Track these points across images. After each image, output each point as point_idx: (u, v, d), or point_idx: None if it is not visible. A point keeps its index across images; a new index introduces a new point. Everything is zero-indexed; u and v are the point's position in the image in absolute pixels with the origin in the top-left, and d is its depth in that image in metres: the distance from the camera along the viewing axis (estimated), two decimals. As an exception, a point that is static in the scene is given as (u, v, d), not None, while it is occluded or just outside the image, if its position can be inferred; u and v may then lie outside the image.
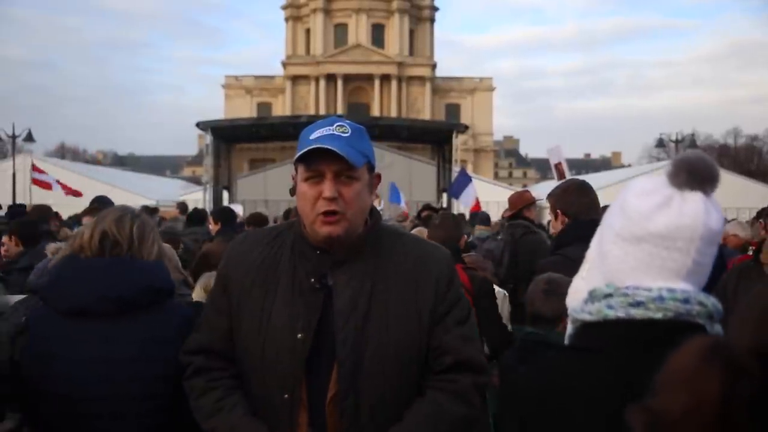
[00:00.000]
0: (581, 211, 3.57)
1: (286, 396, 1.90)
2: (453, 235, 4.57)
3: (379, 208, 17.19)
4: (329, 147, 1.85)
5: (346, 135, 1.91)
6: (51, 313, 2.21)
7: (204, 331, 2.08)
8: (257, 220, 7.74)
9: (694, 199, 1.33)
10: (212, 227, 7.58)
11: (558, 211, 3.70)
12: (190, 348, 2.08)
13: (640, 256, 1.34)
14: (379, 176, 2.06)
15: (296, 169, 1.99)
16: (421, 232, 6.31)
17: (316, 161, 1.90)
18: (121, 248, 2.28)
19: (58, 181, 16.97)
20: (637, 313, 1.33)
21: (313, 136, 1.91)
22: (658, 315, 1.31)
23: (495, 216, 13.09)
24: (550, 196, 3.86)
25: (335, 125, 1.94)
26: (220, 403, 1.96)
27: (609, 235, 1.40)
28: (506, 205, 6.82)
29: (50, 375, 2.15)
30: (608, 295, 1.36)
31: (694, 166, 1.33)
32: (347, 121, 1.98)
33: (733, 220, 7.87)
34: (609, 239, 1.39)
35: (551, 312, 2.80)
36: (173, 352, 2.12)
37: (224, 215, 7.70)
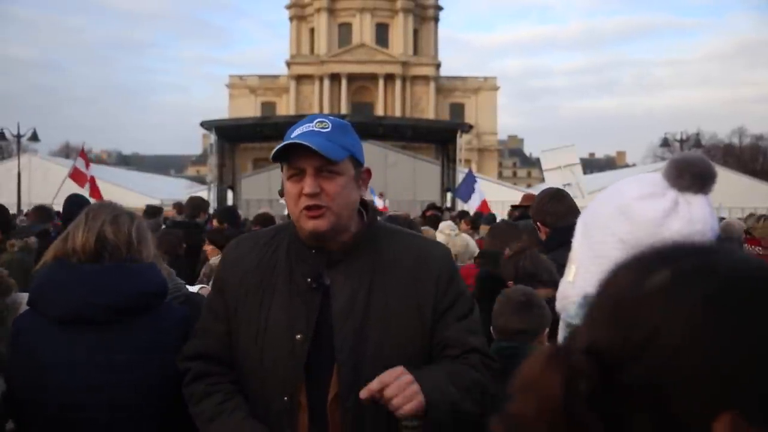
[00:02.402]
0: (558, 219, 3.58)
1: (285, 399, 1.88)
2: (502, 240, 4.26)
3: (381, 207, 17.13)
4: (302, 142, 1.85)
5: (325, 130, 1.90)
6: (40, 320, 2.15)
7: (201, 336, 2.06)
8: (264, 219, 7.69)
9: (700, 203, 1.32)
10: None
11: (538, 223, 3.73)
12: (188, 354, 2.05)
13: None
14: (368, 171, 2.03)
15: (282, 169, 1.98)
16: (425, 232, 6.33)
17: (295, 158, 1.89)
18: (120, 252, 2.20)
19: (92, 180, 14.38)
20: None
21: (293, 135, 1.91)
22: None
23: (499, 216, 13.07)
24: (530, 210, 3.88)
25: (315, 122, 1.93)
26: (220, 407, 1.93)
27: (610, 241, 1.36)
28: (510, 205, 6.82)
29: (40, 383, 2.10)
30: None
31: (698, 169, 1.32)
32: (330, 117, 1.98)
33: (722, 219, 7.86)
34: (610, 244, 1.36)
35: (533, 325, 2.66)
36: (170, 356, 2.08)
37: (229, 216, 7.67)
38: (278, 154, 1.90)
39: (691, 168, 1.32)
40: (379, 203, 16.75)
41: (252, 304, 1.97)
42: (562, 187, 6.86)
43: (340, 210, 1.91)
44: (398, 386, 1.71)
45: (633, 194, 1.36)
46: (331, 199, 1.89)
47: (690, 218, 1.31)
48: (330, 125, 1.92)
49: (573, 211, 3.63)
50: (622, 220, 1.35)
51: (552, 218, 3.61)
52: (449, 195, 22.80)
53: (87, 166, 14.73)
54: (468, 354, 1.94)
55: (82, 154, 15.34)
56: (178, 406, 2.03)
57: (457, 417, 1.83)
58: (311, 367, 1.89)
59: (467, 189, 14.33)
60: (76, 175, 14.20)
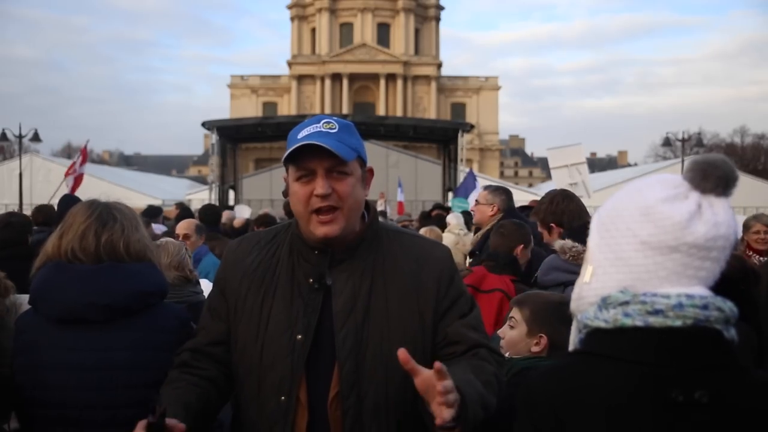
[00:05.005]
0: (573, 218, 3.66)
1: (282, 398, 1.88)
2: (512, 240, 4.23)
3: (382, 209, 17.33)
4: (317, 143, 1.84)
5: (334, 131, 1.90)
6: (40, 320, 2.17)
7: (198, 334, 2.08)
8: (265, 221, 7.69)
9: (723, 207, 1.32)
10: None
11: (552, 224, 3.76)
12: (182, 348, 2.07)
13: (671, 265, 1.32)
14: (371, 170, 2.04)
15: (287, 170, 1.97)
16: (431, 231, 6.28)
17: (305, 159, 1.89)
18: (100, 257, 2.20)
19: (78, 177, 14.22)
20: (656, 321, 1.30)
21: (300, 135, 1.90)
22: (678, 323, 1.29)
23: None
24: (535, 213, 3.90)
25: (322, 122, 1.93)
26: (177, 389, 1.92)
27: (632, 242, 1.35)
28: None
29: (41, 382, 2.12)
30: (624, 303, 1.33)
31: (723, 171, 1.32)
32: (334, 118, 1.98)
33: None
34: (631, 246, 1.35)
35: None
36: (168, 355, 2.08)
37: (209, 215, 7.58)
38: (288, 155, 1.88)
39: (715, 170, 1.32)
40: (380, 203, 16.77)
41: (253, 303, 1.97)
42: (568, 186, 6.85)
43: (351, 211, 1.92)
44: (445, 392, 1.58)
45: (656, 196, 1.35)
46: (343, 199, 1.89)
47: (715, 221, 1.31)
48: (337, 126, 1.92)
49: (584, 210, 3.74)
50: (645, 221, 1.34)
51: (568, 217, 3.68)
52: (450, 195, 22.81)
53: (82, 162, 14.74)
54: (476, 349, 1.94)
55: (83, 151, 15.33)
56: None
57: (483, 412, 1.79)
58: (312, 366, 1.90)
59: (464, 188, 14.36)
60: (71, 172, 14.25)
